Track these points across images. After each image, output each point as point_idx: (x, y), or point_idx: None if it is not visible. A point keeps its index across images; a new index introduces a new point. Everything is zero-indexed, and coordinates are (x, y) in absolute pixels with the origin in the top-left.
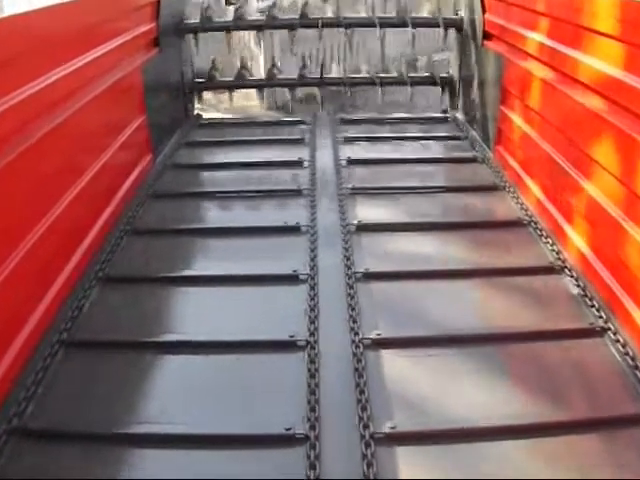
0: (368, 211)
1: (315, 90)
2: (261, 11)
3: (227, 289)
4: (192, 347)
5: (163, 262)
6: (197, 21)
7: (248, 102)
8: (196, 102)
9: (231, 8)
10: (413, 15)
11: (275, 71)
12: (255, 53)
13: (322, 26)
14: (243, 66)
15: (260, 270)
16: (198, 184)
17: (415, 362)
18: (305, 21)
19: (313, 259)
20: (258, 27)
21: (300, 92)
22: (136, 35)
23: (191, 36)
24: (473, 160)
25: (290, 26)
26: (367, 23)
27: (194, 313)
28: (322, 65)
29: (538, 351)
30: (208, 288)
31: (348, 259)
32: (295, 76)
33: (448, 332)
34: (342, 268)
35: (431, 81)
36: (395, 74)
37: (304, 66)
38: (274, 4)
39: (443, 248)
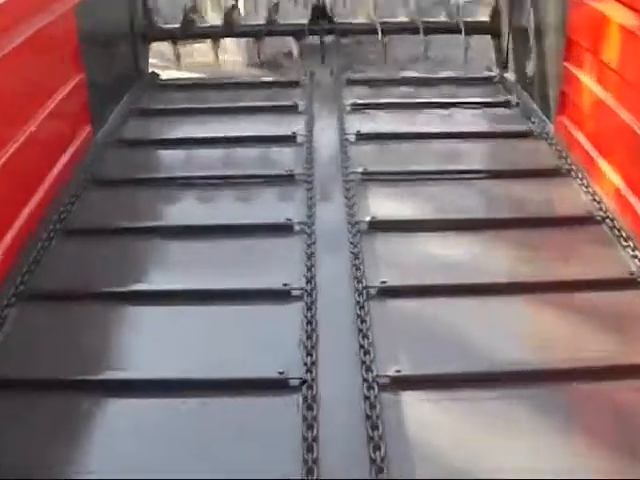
0: (384, 204)
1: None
2: None
3: (194, 308)
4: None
5: (103, 277)
6: None
7: (227, 56)
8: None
9: None
10: None
11: (274, 14)
12: None
13: None
14: (233, 6)
15: (239, 284)
16: (154, 167)
17: (447, 415)
18: None
19: (310, 269)
20: None
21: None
22: None
23: None
24: (527, 135)
25: None
26: None
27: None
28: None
29: (612, 392)
30: (170, 307)
31: (358, 269)
32: (301, 20)
33: (490, 368)
34: (349, 281)
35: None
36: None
37: (318, 7)
38: None
39: (485, 254)
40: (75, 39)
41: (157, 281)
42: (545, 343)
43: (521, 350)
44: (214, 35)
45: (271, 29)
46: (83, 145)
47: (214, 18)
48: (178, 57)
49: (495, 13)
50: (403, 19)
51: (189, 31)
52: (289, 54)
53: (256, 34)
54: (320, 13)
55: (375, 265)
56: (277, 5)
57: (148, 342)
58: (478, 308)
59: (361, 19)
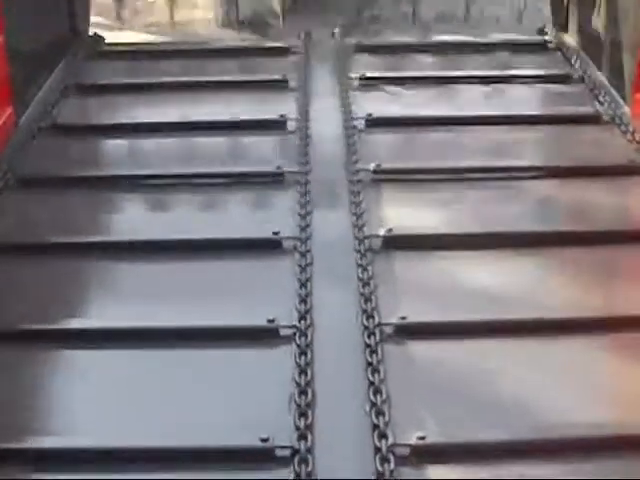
0: (403, 214)
1: None
2: None
3: (147, 353)
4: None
5: (31, 312)
6: None
7: (191, 13)
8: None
9: None
10: None
11: None
12: None
13: None
14: None
15: (208, 319)
16: (94, 162)
17: None
18: None
19: (304, 300)
20: None
21: None
22: None
23: None
24: (594, 120)
25: None
26: None
27: None
28: None
29: None
30: (115, 351)
31: (368, 301)
32: None
33: (540, 436)
34: (357, 317)
35: None
36: None
37: None
38: None
39: (538, 280)
40: None
41: (98, 316)
42: (619, 402)
43: (585, 411)
44: None
45: None
46: (2, 132)
47: None
48: (119, 15)
49: None
50: None
51: None
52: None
53: None
54: None
55: (391, 296)
56: None
57: (90, 401)
58: (527, 353)
59: None
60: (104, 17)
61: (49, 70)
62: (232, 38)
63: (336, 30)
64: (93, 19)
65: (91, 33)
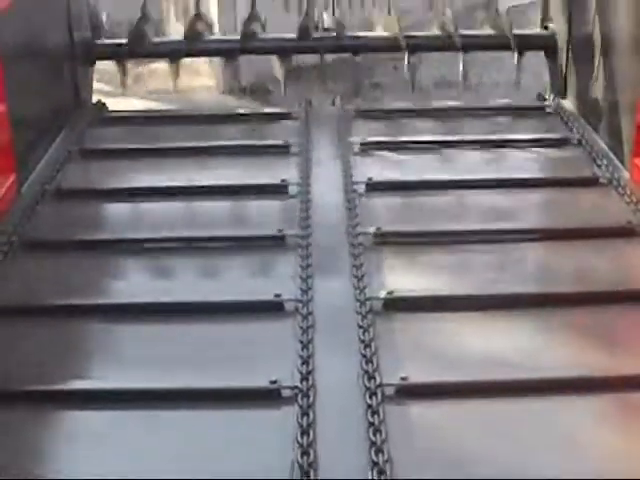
0: (404, 276)
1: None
2: None
3: (148, 414)
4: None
5: (30, 372)
6: None
7: (194, 80)
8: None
9: None
10: None
11: (256, 25)
12: None
13: None
14: (198, 14)
15: (209, 382)
16: (97, 227)
17: None
18: None
19: (306, 362)
20: None
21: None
22: None
23: None
24: (592, 182)
25: None
26: None
27: None
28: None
29: None
30: (116, 412)
31: (369, 362)
32: (290, 34)
33: None
34: (358, 378)
35: (506, 43)
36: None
37: (308, 13)
38: None
39: (540, 341)
40: None
41: (100, 378)
42: (622, 460)
43: (590, 472)
44: (172, 54)
45: (247, 46)
46: (5, 199)
47: (179, 30)
48: (124, 83)
49: (548, 22)
50: (430, 31)
51: (139, 48)
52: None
53: (227, 53)
54: (314, 24)
55: (392, 357)
56: (254, 13)
57: (93, 463)
58: (529, 414)
59: (378, 31)
60: (106, 83)
61: (53, 136)
62: (234, 104)
63: (336, 98)
64: (95, 85)
65: (94, 100)
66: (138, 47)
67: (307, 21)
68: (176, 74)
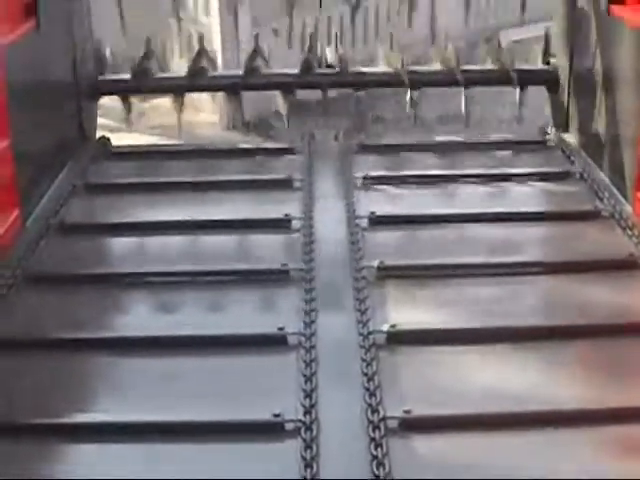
0: (407, 309)
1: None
2: None
3: (150, 447)
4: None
5: (38, 405)
6: None
7: (197, 116)
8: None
9: None
10: None
11: (260, 61)
12: (205, 26)
13: None
14: (202, 50)
15: (219, 414)
16: (101, 261)
17: None
18: None
19: (309, 395)
20: None
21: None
22: None
23: None
24: (595, 216)
25: None
26: None
27: None
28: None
29: None
30: (121, 446)
31: (372, 395)
32: (293, 69)
33: None
34: (362, 411)
35: (508, 78)
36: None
37: (311, 48)
38: None
39: (544, 374)
40: (1, 94)
41: (104, 410)
42: None
43: None
44: (175, 89)
45: (249, 82)
46: (9, 233)
47: (182, 65)
48: (129, 118)
49: (550, 57)
50: (431, 67)
51: (143, 84)
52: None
53: (230, 88)
54: (317, 59)
55: (395, 390)
56: (257, 48)
57: None
58: (533, 447)
59: (380, 66)
60: (110, 119)
61: (57, 171)
62: (237, 139)
63: (339, 133)
64: (99, 120)
65: (98, 135)
66: (142, 83)
67: (310, 56)
68: (180, 110)
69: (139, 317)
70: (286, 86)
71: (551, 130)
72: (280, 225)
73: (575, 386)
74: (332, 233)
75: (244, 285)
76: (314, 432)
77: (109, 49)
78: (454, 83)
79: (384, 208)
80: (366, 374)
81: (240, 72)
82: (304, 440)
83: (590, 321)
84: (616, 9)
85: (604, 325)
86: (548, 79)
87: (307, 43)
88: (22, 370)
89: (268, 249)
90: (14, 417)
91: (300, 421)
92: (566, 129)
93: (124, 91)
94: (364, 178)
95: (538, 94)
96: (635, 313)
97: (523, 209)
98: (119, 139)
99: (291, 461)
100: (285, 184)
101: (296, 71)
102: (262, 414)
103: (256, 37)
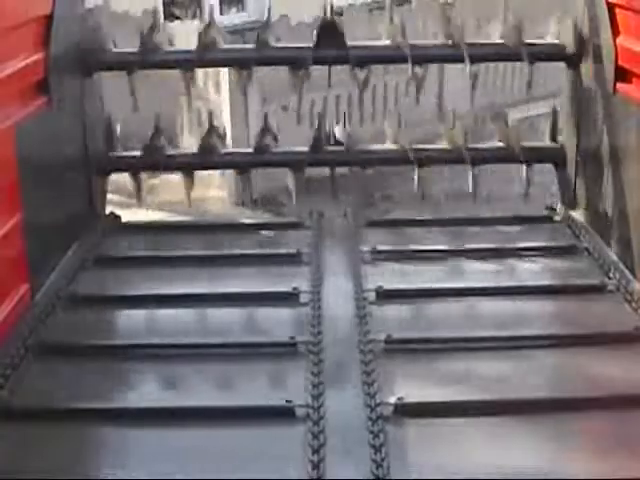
0: (415, 383)
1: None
2: (233, 31)
3: None
4: None
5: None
6: (128, 50)
7: (206, 191)
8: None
9: (177, 25)
10: (481, 41)
11: (269, 139)
12: (215, 104)
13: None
14: (212, 127)
15: None
16: (109, 333)
17: None
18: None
19: (317, 467)
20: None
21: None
22: (7, 74)
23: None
24: (600, 289)
25: (298, 62)
26: (400, 56)
27: None
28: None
29: None
30: None
31: (380, 467)
32: (301, 147)
33: None
34: None
35: (516, 156)
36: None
37: (319, 127)
38: (266, 23)
39: (547, 446)
40: (12, 168)
41: (119, 476)
42: None
43: None
44: (186, 167)
45: (259, 159)
46: (19, 307)
47: (191, 142)
48: (139, 195)
49: (557, 134)
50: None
51: (154, 161)
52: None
53: (241, 166)
54: (327, 137)
55: (402, 461)
56: (267, 126)
57: None
58: None
59: (387, 144)
60: (119, 194)
61: (67, 246)
62: (246, 215)
63: (347, 210)
64: (109, 196)
65: (107, 211)
66: (153, 160)
67: (319, 134)
68: (190, 187)
69: (148, 388)
70: (296, 164)
71: (559, 207)
72: (288, 298)
73: (583, 457)
74: (340, 306)
75: (252, 358)
76: None
77: (119, 126)
78: (461, 161)
79: (392, 282)
80: (373, 446)
81: (250, 150)
82: None
83: (597, 394)
84: (623, 87)
85: (611, 397)
86: (555, 156)
87: (316, 121)
88: (32, 440)
89: (276, 322)
90: None
91: None
92: (574, 206)
93: (135, 168)
94: (372, 252)
95: (548, 172)
96: None
97: (530, 283)
98: (129, 215)
99: None
100: (295, 259)
101: (305, 149)
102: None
103: (265, 116)
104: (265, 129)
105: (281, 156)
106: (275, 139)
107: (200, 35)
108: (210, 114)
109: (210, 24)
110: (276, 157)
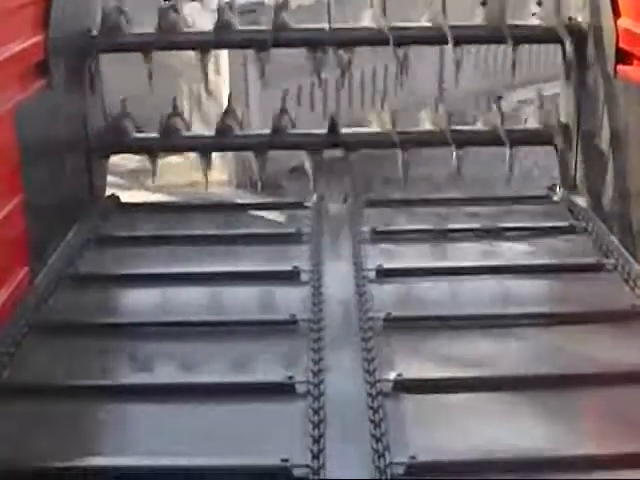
0: (413, 359)
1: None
2: (240, 11)
3: None
4: None
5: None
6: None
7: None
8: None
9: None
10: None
11: (285, 121)
12: (213, 85)
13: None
14: (229, 109)
15: (227, 459)
16: (118, 311)
17: None
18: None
19: (318, 440)
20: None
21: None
22: (6, 56)
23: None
24: (598, 268)
25: (314, 43)
26: (419, 36)
27: None
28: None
29: None
30: None
31: (379, 441)
32: (312, 129)
33: None
34: (368, 459)
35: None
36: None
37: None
38: (284, 3)
39: (543, 420)
40: (13, 150)
41: (113, 454)
42: None
43: None
44: (203, 148)
45: (278, 141)
46: (21, 287)
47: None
48: (154, 175)
49: (555, 117)
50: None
51: (171, 142)
52: (294, 172)
53: (258, 147)
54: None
55: (401, 436)
56: (285, 110)
57: None
58: None
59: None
60: (119, 177)
61: (68, 227)
62: (246, 197)
63: (347, 194)
64: (108, 179)
65: (108, 193)
66: (170, 142)
67: (334, 118)
68: (208, 169)
69: (149, 365)
70: (313, 146)
71: (559, 190)
72: (289, 277)
73: (580, 434)
74: (340, 285)
75: (253, 335)
76: (322, 477)
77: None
78: (446, 143)
79: (391, 261)
80: (373, 421)
81: (267, 131)
82: None
83: (594, 370)
84: (623, 69)
85: (608, 374)
86: (552, 138)
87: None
88: (33, 417)
89: (277, 300)
90: (22, 463)
91: (308, 466)
92: (574, 187)
93: (144, 150)
94: (372, 232)
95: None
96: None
97: (529, 262)
98: (128, 197)
99: None
100: (295, 238)
101: (324, 131)
102: (270, 459)
103: (283, 98)
104: (282, 110)
105: (298, 138)
106: (292, 122)
107: (219, 14)
108: (229, 96)
109: (229, 5)
110: (293, 139)
